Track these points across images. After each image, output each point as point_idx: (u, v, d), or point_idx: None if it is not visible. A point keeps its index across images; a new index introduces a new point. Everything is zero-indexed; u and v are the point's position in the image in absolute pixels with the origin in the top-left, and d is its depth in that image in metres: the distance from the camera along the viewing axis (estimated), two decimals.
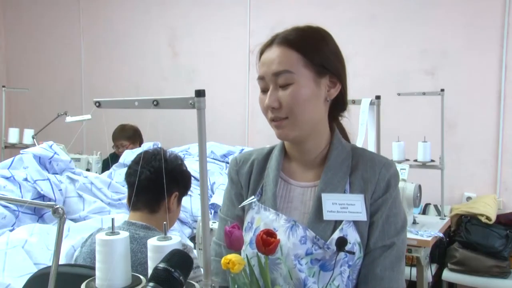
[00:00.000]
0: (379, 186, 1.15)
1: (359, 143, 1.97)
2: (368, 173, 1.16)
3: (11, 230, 2.34)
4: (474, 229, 3.31)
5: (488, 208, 3.38)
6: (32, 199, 2.52)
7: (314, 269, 1.12)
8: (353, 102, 2.03)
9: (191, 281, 0.94)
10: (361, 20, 4.07)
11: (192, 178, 1.83)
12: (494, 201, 3.53)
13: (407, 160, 3.29)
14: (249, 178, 1.26)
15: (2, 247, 2.10)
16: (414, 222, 3.08)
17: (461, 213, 3.45)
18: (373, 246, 1.14)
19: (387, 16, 3.99)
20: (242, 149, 3.82)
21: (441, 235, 2.92)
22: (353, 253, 1.12)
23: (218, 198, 3.03)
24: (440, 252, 3.43)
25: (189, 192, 1.83)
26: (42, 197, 2.63)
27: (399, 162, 3.21)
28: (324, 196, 1.14)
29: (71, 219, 2.63)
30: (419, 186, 2.98)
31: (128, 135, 4.12)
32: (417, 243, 2.78)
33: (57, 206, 1.02)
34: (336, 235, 1.11)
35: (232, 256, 0.98)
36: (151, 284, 0.85)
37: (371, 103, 2.19)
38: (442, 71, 3.82)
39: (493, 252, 3.22)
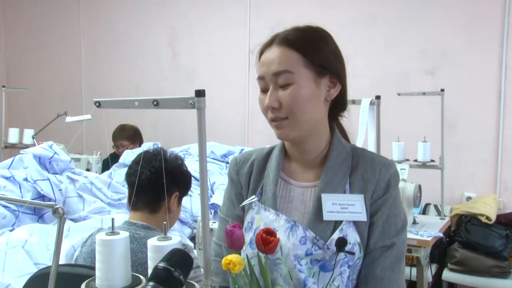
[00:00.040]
0: (379, 186, 1.15)
1: (359, 143, 1.96)
2: (368, 173, 1.16)
3: (11, 230, 2.34)
4: (474, 229, 3.31)
5: (488, 208, 3.38)
6: (32, 199, 2.52)
7: (314, 269, 1.12)
8: (353, 102, 2.03)
9: (191, 281, 0.94)
10: (361, 20, 4.07)
11: (192, 178, 1.83)
12: (494, 201, 3.53)
13: (407, 160, 3.29)
14: (249, 178, 1.26)
15: (2, 247, 2.10)
16: (414, 222, 3.08)
17: (461, 213, 3.45)
18: (373, 247, 1.14)
19: (387, 16, 3.99)
20: (242, 149, 3.82)
21: (441, 235, 2.92)
22: (353, 254, 1.12)
23: (218, 198, 3.03)
24: (440, 252, 3.43)
25: (189, 192, 1.83)
26: (42, 197, 2.63)
27: (399, 162, 3.21)
28: (324, 196, 1.14)
29: (71, 219, 2.63)
30: (419, 186, 2.98)
31: (128, 135, 4.12)
32: (417, 243, 2.78)
33: (57, 206, 1.02)
34: (336, 235, 1.11)
35: (233, 257, 0.98)
36: (151, 283, 0.85)
37: (371, 103, 2.19)
38: (442, 71, 3.82)
39: (493, 252, 3.22)
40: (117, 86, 5.13)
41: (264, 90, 1.17)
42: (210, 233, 1.02)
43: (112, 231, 0.95)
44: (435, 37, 3.83)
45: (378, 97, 2.20)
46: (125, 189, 2.97)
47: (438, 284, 3.50)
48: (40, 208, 2.60)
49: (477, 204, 3.47)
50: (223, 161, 3.70)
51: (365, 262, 1.14)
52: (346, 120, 1.28)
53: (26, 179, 2.64)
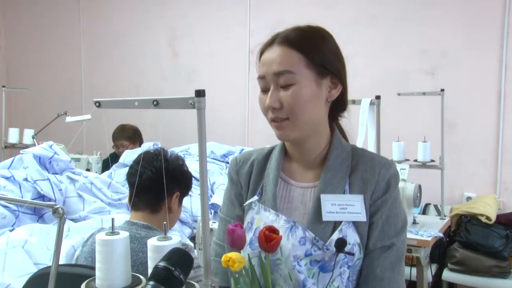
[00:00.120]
0: (379, 187, 1.15)
1: (359, 143, 1.96)
2: (368, 174, 1.16)
3: (11, 230, 2.34)
4: (474, 229, 3.31)
5: (488, 208, 3.38)
6: (32, 199, 2.52)
7: (314, 270, 1.11)
8: (353, 102, 2.03)
9: (191, 281, 0.94)
10: (361, 20, 4.07)
11: (192, 178, 1.83)
12: (494, 201, 3.53)
13: (407, 160, 3.29)
14: (249, 178, 1.25)
15: (2, 247, 2.10)
16: (414, 222, 3.08)
17: (461, 213, 3.45)
18: (373, 247, 1.13)
19: (387, 16, 3.99)
20: (242, 149, 3.81)
21: (441, 235, 2.92)
22: (353, 254, 1.11)
23: (218, 198, 3.03)
24: (440, 252, 3.43)
25: (189, 192, 1.83)
26: (42, 197, 2.63)
27: (399, 162, 3.21)
28: (323, 197, 1.14)
29: (71, 219, 2.63)
30: (419, 186, 2.98)
31: (128, 135, 4.13)
32: (417, 243, 2.78)
33: (57, 206, 1.02)
34: (336, 236, 1.11)
35: (233, 254, 0.98)
36: (151, 282, 0.85)
37: (371, 103, 2.19)
38: (442, 71, 3.82)
39: (493, 252, 3.22)
40: (117, 86, 5.13)
41: (264, 90, 1.16)
42: (210, 233, 1.02)
43: (112, 231, 0.95)
44: (435, 37, 3.83)
45: (378, 97, 2.20)
46: (125, 189, 2.97)
47: (438, 284, 3.50)
48: (40, 208, 2.60)
49: (477, 204, 3.47)
50: (223, 161, 3.70)
51: (365, 263, 1.14)
52: (346, 120, 1.28)
53: (26, 179, 2.64)
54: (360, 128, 2.12)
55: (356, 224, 1.13)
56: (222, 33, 4.69)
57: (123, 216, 2.54)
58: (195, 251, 1.96)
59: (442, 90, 3.22)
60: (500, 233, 3.27)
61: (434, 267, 3.37)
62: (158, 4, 4.97)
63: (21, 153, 2.81)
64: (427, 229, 2.96)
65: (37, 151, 2.82)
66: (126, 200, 2.83)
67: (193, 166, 1.81)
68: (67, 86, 5.51)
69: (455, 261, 3.31)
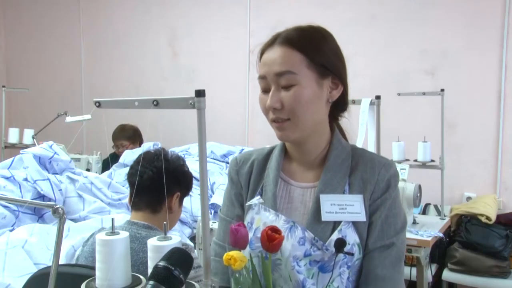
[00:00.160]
0: (379, 187, 1.15)
1: (359, 143, 1.96)
2: (368, 174, 1.16)
3: (11, 230, 2.34)
4: (474, 229, 3.31)
5: (488, 208, 3.38)
6: (32, 199, 2.52)
7: (313, 270, 1.11)
8: (353, 102, 2.02)
9: (191, 281, 0.94)
10: (361, 20, 4.07)
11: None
12: (494, 201, 3.53)
13: (407, 160, 3.29)
14: (249, 178, 1.25)
15: (2, 247, 2.10)
16: (414, 222, 3.08)
17: (461, 213, 3.45)
18: (373, 246, 1.13)
19: (387, 16, 3.99)
20: (242, 149, 3.81)
21: (441, 235, 2.92)
22: (352, 254, 1.11)
23: (218, 198, 3.03)
24: (440, 252, 3.43)
25: (189, 192, 1.83)
26: (42, 197, 2.63)
27: (399, 162, 3.21)
28: (323, 197, 1.14)
29: (71, 219, 2.63)
30: (419, 186, 2.98)
31: (128, 135, 4.13)
32: (417, 243, 2.78)
33: (57, 206, 1.02)
34: (335, 236, 1.10)
35: (234, 253, 0.98)
36: (151, 282, 0.85)
37: (371, 103, 2.18)
38: (442, 71, 3.82)
39: (493, 252, 3.22)
40: (117, 86, 5.13)
41: (265, 90, 1.16)
42: (210, 233, 1.02)
43: (112, 231, 0.95)
44: (435, 37, 3.83)
45: (378, 97, 2.20)
46: (125, 189, 2.97)
47: (438, 284, 3.50)
48: (40, 208, 2.60)
49: (477, 204, 3.47)
50: (223, 161, 3.70)
51: (365, 263, 1.14)
52: (346, 120, 1.28)
53: (26, 179, 2.64)
54: (360, 128, 2.12)
55: (355, 224, 1.13)
56: (222, 33, 4.69)
57: (123, 216, 2.54)
58: (196, 251, 1.96)
59: (442, 90, 3.22)
60: (500, 233, 3.27)
61: (434, 267, 3.37)
62: (158, 4, 4.97)
63: (21, 153, 2.81)
64: (427, 229, 2.96)
65: (37, 151, 2.82)
66: (126, 200, 2.83)
67: (193, 166, 1.81)
68: (67, 86, 5.51)
69: (455, 261, 3.31)
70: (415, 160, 3.30)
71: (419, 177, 3.19)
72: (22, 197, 2.54)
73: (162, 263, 0.87)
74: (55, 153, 2.86)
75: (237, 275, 1.04)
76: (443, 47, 3.81)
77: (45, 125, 4.18)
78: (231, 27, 4.64)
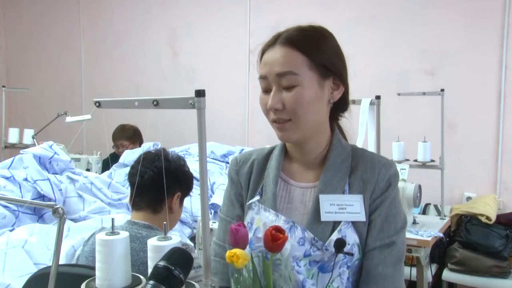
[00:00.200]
0: (378, 186, 1.14)
1: (359, 143, 1.96)
2: (368, 174, 1.15)
3: (11, 230, 2.34)
4: (474, 229, 3.31)
5: (488, 208, 3.38)
6: (32, 199, 2.52)
7: (313, 270, 1.11)
8: (353, 102, 2.01)
9: (191, 281, 0.94)
10: (361, 20, 4.07)
11: None
12: (494, 201, 3.53)
13: (407, 160, 3.29)
14: (249, 178, 1.25)
15: (2, 247, 2.10)
16: (414, 222, 3.08)
17: (461, 213, 3.45)
18: (373, 245, 1.13)
19: (387, 16, 3.99)
20: (242, 149, 3.81)
21: (441, 235, 2.92)
22: (352, 255, 1.11)
23: (218, 198, 3.03)
24: (440, 252, 3.43)
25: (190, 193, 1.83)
26: (42, 197, 2.63)
27: (399, 162, 3.21)
28: (322, 197, 1.14)
29: (71, 219, 2.63)
30: (419, 186, 2.98)
31: (128, 135, 4.13)
32: (417, 243, 2.78)
33: (57, 206, 1.02)
34: (335, 236, 1.10)
35: (237, 250, 0.98)
36: (151, 282, 0.85)
37: (371, 103, 2.19)
38: (442, 71, 3.82)
39: (493, 252, 3.22)
40: (117, 86, 5.13)
41: (266, 90, 1.15)
42: (210, 233, 1.02)
43: (112, 231, 0.95)
44: (435, 37, 3.83)
45: (378, 97, 2.20)
46: (125, 189, 2.97)
47: (438, 284, 3.50)
48: (40, 208, 2.60)
49: (477, 204, 3.47)
50: (223, 161, 3.70)
51: (365, 261, 1.13)
52: (346, 120, 1.28)
53: (26, 179, 2.64)
54: (360, 128, 2.12)
55: (355, 224, 1.13)
56: (222, 33, 4.69)
57: (123, 216, 2.54)
58: (196, 251, 1.97)
59: (442, 90, 3.22)
60: (500, 233, 3.27)
61: (434, 267, 3.37)
62: (158, 4, 4.97)
63: (21, 153, 2.81)
64: (427, 229, 2.96)
65: (37, 151, 2.82)
66: (126, 200, 2.83)
67: (193, 166, 1.81)
68: (67, 86, 5.51)
69: (455, 261, 3.31)
70: (415, 160, 3.30)
71: (419, 177, 3.19)
72: (22, 197, 2.54)
73: (162, 263, 0.87)
74: (55, 153, 2.86)
75: (236, 275, 1.04)
76: (443, 47, 3.81)
77: (45, 125, 4.18)
78: (231, 27, 4.64)
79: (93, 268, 0.97)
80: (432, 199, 3.67)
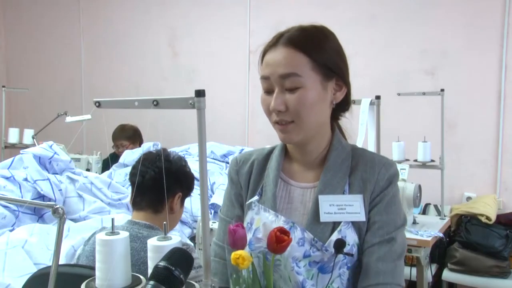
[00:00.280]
0: (378, 185, 1.14)
1: (359, 143, 1.96)
2: (368, 173, 1.15)
3: (11, 230, 2.34)
4: (474, 229, 3.31)
5: (488, 208, 3.38)
6: (32, 199, 2.52)
7: (313, 271, 1.11)
8: (353, 102, 2.00)
9: (191, 281, 0.94)
10: (361, 20, 4.07)
11: None
12: (494, 201, 3.53)
13: (407, 160, 3.29)
14: (249, 178, 1.25)
15: (2, 247, 2.10)
16: (414, 222, 3.08)
17: (461, 213, 3.45)
18: (372, 242, 1.12)
19: (387, 16, 3.99)
20: (242, 149, 3.81)
21: (441, 235, 2.92)
22: (352, 255, 1.11)
23: (218, 198, 3.03)
24: (440, 252, 3.43)
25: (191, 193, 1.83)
26: (42, 197, 2.63)
27: (399, 162, 3.21)
28: (321, 197, 1.13)
29: (71, 219, 2.63)
30: (419, 186, 2.98)
31: (128, 135, 4.13)
32: (417, 243, 2.78)
33: (57, 206, 1.01)
34: (335, 237, 1.10)
35: (242, 252, 0.98)
36: (151, 282, 0.85)
37: (371, 103, 2.19)
38: (442, 71, 3.82)
39: (493, 252, 3.22)
40: (117, 86, 5.13)
41: (267, 91, 1.14)
42: (210, 233, 1.02)
43: (112, 231, 0.95)
44: (435, 37, 3.83)
45: (378, 97, 2.20)
46: (125, 189, 2.97)
47: (438, 284, 3.50)
48: (40, 208, 2.60)
49: (477, 204, 3.47)
50: (223, 161, 3.70)
51: (364, 258, 1.12)
52: (346, 120, 1.28)
53: (26, 179, 2.64)
54: (360, 128, 2.12)
55: (355, 225, 1.13)
56: (222, 33, 4.68)
57: (123, 216, 2.54)
58: (196, 251, 1.97)
59: (442, 90, 3.22)
60: (500, 233, 3.27)
61: (434, 267, 3.36)
62: (158, 4, 4.97)
63: (21, 153, 2.81)
64: (427, 229, 2.96)
65: (37, 151, 2.82)
66: (126, 200, 2.83)
67: (193, 166, 1.81)
68: (67, 86, 5.51)
69: (455, 261, 3.31)
70: (415, 160, 3.30)
71: (419, 177, 3.19)
72: (22, 197, 2.54)
73: (162, 263, 0.87)
74: (55, 153, 2.86)
75: (235, 276, 1.04)
76: (443, 47, 3.81)
77: (45, 125, 4.18)
78: (231, 27, 4.64)
79: (93, 268, 0.97)
80: (432, 199, 3.67)
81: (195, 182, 1.84)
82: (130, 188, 2.32)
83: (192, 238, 2.68)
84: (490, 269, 3.22)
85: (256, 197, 1.21)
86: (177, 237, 0.98)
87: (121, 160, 3.53)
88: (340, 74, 1.15)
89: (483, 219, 3.31)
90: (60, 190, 2.68)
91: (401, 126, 3.65)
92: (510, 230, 3.29)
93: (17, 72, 5.81)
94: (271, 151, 1.27)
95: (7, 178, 2.61)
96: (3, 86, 4.71)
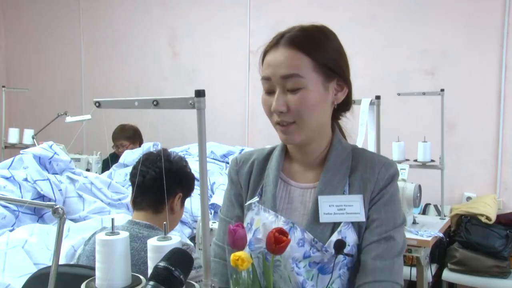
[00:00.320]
0: (378, 185, 1.14)
1: (359, 143, 1.96)
2: (368, 173, 1.15)
3: (11, 230, 2.34)
4: (474, 229, 3.31)
5: (488, 208, 3.38)
6: (32, 199, 2.52)
7: (313, 272, 1.11)
8: (353, 102, 2.02)
9: (191, 281, 0.94)
10: (361, 20, 4.07)
11: None
12: (494, 201, 3.53)
13: (407, 160, 3.29)
14: (249, 178, 1.25)
15: (2, 247, 2.10)
16: (414, 222, 3.08)
17: (461, 213, 3.45)
18: (370, 240, 1.11)
19: (387, 16, 3.99)
20: (242, 149, 3.81)
21: (441, 235, 2.92)
22: (352, 256, 1.11)
23: (218, 198, 3.03)
24: (440, 252, 3.43)
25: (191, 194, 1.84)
26: (42, 197, 2.63)
27: (399, 162, 3.21)
28: (321, 198, 1.13)
29: (71, 219, 2.63)
30: (419, 186, 2.97)
31: (128, 135, 4.13)
32: (417, 243, 2.78)
33: (57, 206, 1.01)
34: (335, 237, 1.10)
35: (241, 253, 0.98)
36: (151, 283, 0.85)
37: (371, 103, 2.19)
38: (442, 71, 3.82)
39: (493, 252, 3.22)
40: (117, 86, 5.13)
41: (268, 92, 1.13)
42: (210, 233, 1.02)
43: (112, 231, 0.95)
44: (435, 37, 3.83)
45: (378, 97, 2.20)
46: (125, 189, 2.97)
47: (438, 284, 3.50)
48: (40, 208, 2.60)
49: (477, 204, 3.47)
50: (223, 161, 3.70)
51: (363, 256, 1.12)
52: (346, 120, 1.27)
53: (26, 179, 2.64)
54: (360, 128, 2.12)
55: (355, 225, 1.12)
56: (222, 33, 4.68)
57: (123, 216, 2.54)
58: (197, 251, 1.97)
59: (442, 90, 3.22)
60: (500, 233, 3.27)
61: (434, 267, 3.36)
62: (158, 4, 4.97)
63: (21, 153, 2.81)
64: (427, 229, 2.96)
65: (37, 151, 2.82)
66: (126, 200, 2.83)
67: (193, 166, 1.82)
68: (67, 86, 5.51)
69: (455, 261, 3.31)
70: (415, 160, 3.30)
71: (419, 177, 3.19)
72: (22, 197, 2.54)
73: (162, 264, 0.87)
74: (55, 153, 2.86)
75: (235, 276, 1.04)
76: (443, 47, 3.81)
77: (45, 125, 4.18)
78: (231, 27, 4.64)
79: (93, 268, 0.97)
80: (432, 199, 3.67)
81: (195, 182, 1.84)
82: (130, 188, 2.32)
83: (192, 238, 2.68)
84: (490, 269, 3.22)
85: (256, 198, 1.20)
86: (177, 237, 0.98)
87: (121, 160, 3.53)
88: (342, 75, 1.15)
89: (483, 219, 3.31)
90: (60, 190, 2.68)
91: (401, 126, 3.65)
92: (510, 230, 3.29)
93: (17, 72, 5.81)
94: (271, 151, 1.27)
95: (7, 178, 2.61)
96: (3, 86, 4.71)
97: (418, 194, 2.96)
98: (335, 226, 1.12)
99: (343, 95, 1.17)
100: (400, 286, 1.11)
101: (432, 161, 3.28)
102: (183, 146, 3.86)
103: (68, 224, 2.46)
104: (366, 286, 1.09)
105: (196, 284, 0.95)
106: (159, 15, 4.97)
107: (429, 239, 2.80)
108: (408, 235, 2.75)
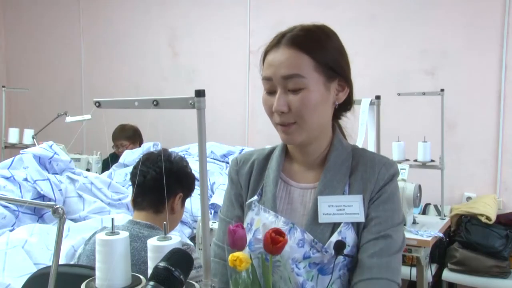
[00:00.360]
0: (378, 185, 1.14)
1: (359, 143, 1.96)
2: (368, 173, 1.15)
3: (11, 230, 2.34)
4: (474, 229, 3.31)
5: (488, 208, 3.37)
6: (32, 199, 2.52)
7: (313, 272, 1.10)
8: (353, 102, 2.02)
9: (191, 281, 0.94)
10: (361, 20, 4.07)
11: None
12: (494, 201, 3.53)
13: (407, 160, 3.29)
14: (249, 178, 1.25)
15: (2, 247, 2.10)
16: (414, 222, 3.08)
17: (461, 213, 3.45)
18: (368, 238, 1.11)
19: (387, 16, 3.99)
20: (242, 149, 3.81)
21: (441, 235, 2.92)
22: (352, 257, 1.10)
23: (218, 198, 3.03)
24: (440, 252, 3.43)
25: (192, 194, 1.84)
26: (42, 197, 2.63)
27: (399, 162, 3.21)
28: (320, 198, 1.13)
29: (71, 219, 2.63)
30: (419, 186, 2.97)
31: (128, 135, 4.13)
32: (417, 243, 2.78)
33: (57, 206, 1.01)
34: (335, 238, 1.09)
35: (240, 254, 0.97)
36: (151, 283, 0.85)
37: (371, 103, 2.19)
38: (442, 71, 3.82)
39: (493, 252, 3.22)
40: (117, 86, 5.13)
41: (269, 92, 1.13)
42: (210, 233, 1.02)
43: (112, 231, 0.95)
44: (435, 37, 3.83)
45: (378, 97, 2.20)
46: (125, 189, 2.97)
47: (438, 284, 3.50)
48: (40, 208, 2.60)
49: (477, 204, 3.47)
50: (223, 161, 3.70)
51: (360, 254, 1.11)
52: (346, 120, 1.27)
53: (26, 179, 2.64)
54: (360, 128, 2.12)
55: (355, 226, 1.12)
56: (222, 33, 4.68)
57: (123, 216, 2.54)
58: (196, 251, 1.97)
59: (442, 90, 3.22)
60: (500, 233, 3.26)
61: (434, 267, 3.36)
62: (158, 4, 4.97)
63: (21, 153, 2.81)
64: (427, 229, 2.96)
65: (37, 151, 2.82)
66: (126, 200, 2.83)
67: (193, 166, 1.82)
68: (67, 86, 5.51)
69: (455, 261, 3.31)
70: (415, 160, 3.30)
71: (419, 177, 3.19)
72: (22, 197, 2.54)
73: (162, 264, 0.87)
74: (55, 153, 2.86)
75: (235, 277, 1.04)
76: (443, 47, 3.81)
77: (45, 125, 4.18)
78: (231, 27, 4.64)
79: (93, 268, 0.97)
80: (432, 199, 3.67)
81: (195, 182, 1.85)
82: (130, 188, 2.32)
83: (192, 238, 2.68)
84: (490, 269, 3.22)
85: (255, 198, 1.20)
86: (177, 237, 0.98)
87: (121, 160, 3.53)
88: (343, 74, 1.15)
89: (483, 219, 3.31)
90: (60, 190, 2.68)
91: (401, 126, 3.65)
92: (510, 230, 3.29)
93: (17, 72, 5.81)
94: (271, 151, 1.27)
95: (7, 178, 2.61)
96: (3, 86, 4.71)
97: (418, 194, 2.96)
98: (335, 226, 1.11)
99: (344, 95, 1.17)
100: (398, 285, 1.10)
101: (432, 161, 3.28)
102: (183, 146, 3.86)
103: (68, 224, 2.46)
104: (362, 284, 1.08)
105: (196, 284, 0.95)
106: (159, 15, 4.97)
107: (429, 239, 2.80)
108: (408, 235, 2.75)
